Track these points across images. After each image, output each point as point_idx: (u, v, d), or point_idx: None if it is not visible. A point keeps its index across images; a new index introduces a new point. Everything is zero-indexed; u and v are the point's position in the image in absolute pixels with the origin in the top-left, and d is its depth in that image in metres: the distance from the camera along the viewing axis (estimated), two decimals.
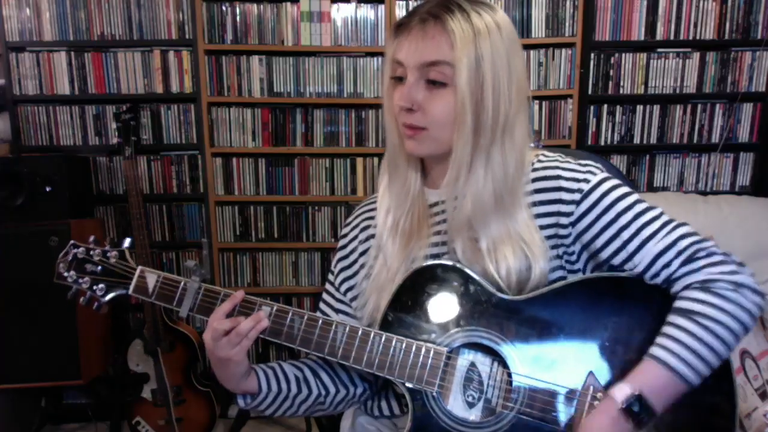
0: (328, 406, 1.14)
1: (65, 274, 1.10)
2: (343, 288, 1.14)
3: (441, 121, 0.95)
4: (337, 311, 1.15)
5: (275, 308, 1.01)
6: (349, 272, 1.14)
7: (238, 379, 1.01)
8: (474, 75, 0.91)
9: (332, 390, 1.11)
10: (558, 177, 0.99)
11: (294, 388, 1.09)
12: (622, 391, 0.86)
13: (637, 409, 0.85)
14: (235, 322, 0.97)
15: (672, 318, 0.89)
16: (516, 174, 0.97)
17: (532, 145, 1.05)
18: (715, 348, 0.86)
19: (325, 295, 1.18)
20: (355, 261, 1.13)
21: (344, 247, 1.15)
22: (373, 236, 1.09)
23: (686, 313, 0.88)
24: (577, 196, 0.96)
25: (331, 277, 1.17)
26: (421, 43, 0.92)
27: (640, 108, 2.63)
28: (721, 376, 0.92)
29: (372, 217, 1.11)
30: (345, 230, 1.17)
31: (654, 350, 0.88)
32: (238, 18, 2.54)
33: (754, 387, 1.68)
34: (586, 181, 0.97)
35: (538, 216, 0.99)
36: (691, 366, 0.85)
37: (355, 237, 1.14)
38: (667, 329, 0.89)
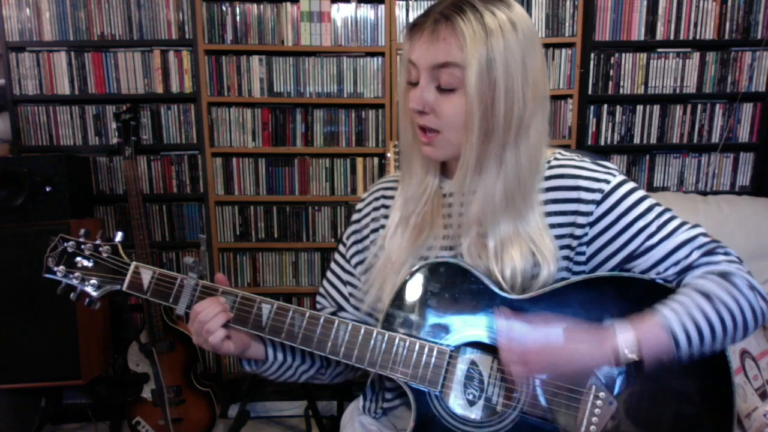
0: (327, 377, 1.17)
1: (54, 268, 1.07)
2: (354, 261, 1.15)
3: (452, 123, 0.94)
4: (345, 283, 1.16)
5: (275, 306, 1.01)
6: (360, 246, 1.15)
7: (238, 355, 1.05)
8: (485, 77, 0.90)
9: (333, 362, 1.14)
10: (577, 177, 0.98)
11: (298, 359, 1.11)
12: (626, 342, 0.86)
13: (634, 358, 0.86)
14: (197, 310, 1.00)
15: (687, 291, 0.90)
16: (530, 175, 0.96)
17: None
18: (717, 336, 0.87)
19: (333, 266, 1.19)
20: (366, 236, 1.14)
21: (358, 221, 1.16)
22: (386, 216, 1.09)
23: (703, 293, 0.88)
24: (597, 196, 0.96)
25: (342, 249, 1.18)
26: (432, 44, 0.92)
27: (640, 108, 2.63)
28: (720, 377, 0.92)
29: (388, 197, 1.12)
30: (359, 205, 1.18)
31: (663, 311, 0.87)
32: (238, 18, 2.54)
33: (754, 387, 1.68)
34: (607, 181, 0.97)
35: (552, 214, 0.98)
36: (690, 342, 0.86)
37: (368, 214, 1.15)
38: (680, 297, 0.89)
